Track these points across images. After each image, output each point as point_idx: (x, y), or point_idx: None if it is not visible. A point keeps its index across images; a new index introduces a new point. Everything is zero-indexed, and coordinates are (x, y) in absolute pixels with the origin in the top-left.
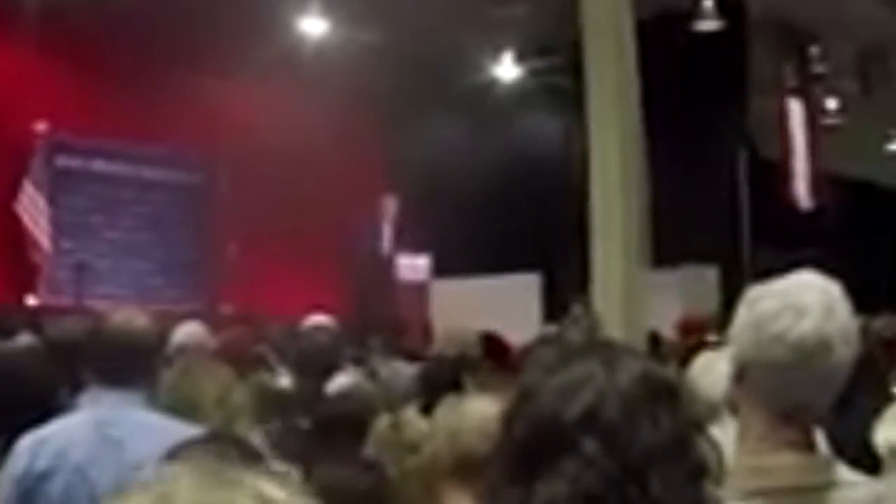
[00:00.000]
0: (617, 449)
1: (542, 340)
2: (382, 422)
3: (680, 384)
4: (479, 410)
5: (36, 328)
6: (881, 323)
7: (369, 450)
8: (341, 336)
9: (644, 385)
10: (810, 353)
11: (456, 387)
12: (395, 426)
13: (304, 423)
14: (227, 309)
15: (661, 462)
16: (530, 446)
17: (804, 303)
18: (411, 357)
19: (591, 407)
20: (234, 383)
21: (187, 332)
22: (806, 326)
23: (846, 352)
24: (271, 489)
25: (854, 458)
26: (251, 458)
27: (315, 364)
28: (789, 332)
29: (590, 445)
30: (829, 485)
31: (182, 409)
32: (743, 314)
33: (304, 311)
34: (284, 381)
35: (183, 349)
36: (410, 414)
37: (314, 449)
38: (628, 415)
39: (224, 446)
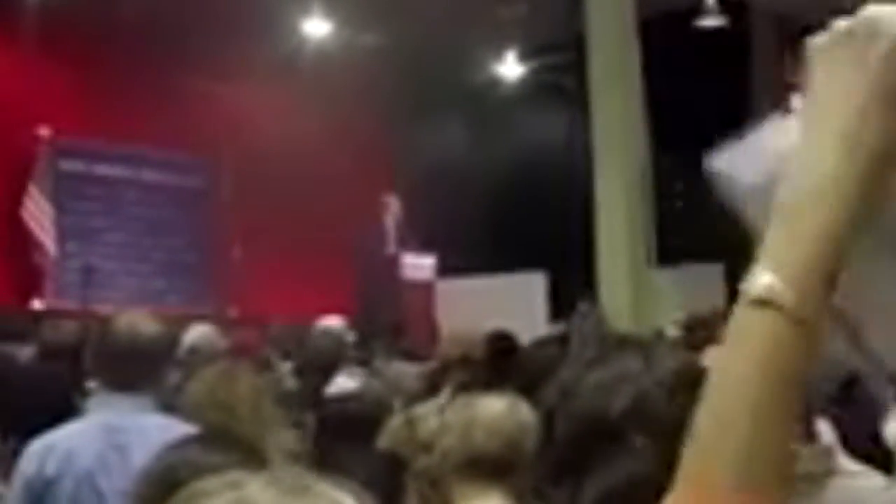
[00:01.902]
0: (665, 439)
1: (554, 339)
2: (396, 420)
3: None
4: (490, 409)
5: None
6: None
7: (381, 445)
8: (343, 339)
9: (683, 377)
10: None
11: (461, 387)
12: (409, 424)
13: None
14: (232, 311)
15: None
16: (576, 443)
17: None
18: (412, 357)
19: (635, 400)
20: (266, 389)
21: (199, 333)
22: None
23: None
24: (348, 500)
25: (865, 452)
26: (252, 457)
27: (315, 367)
28: None
29: (637, 438)
30: (830, 473)
31: (217, 414)
32: None
33: (310, 312)
34: (290, 382)
35: (195, 351)
36: (424, 412)
37: (323, 449)
38: (672, 406)
39: (222, 445)
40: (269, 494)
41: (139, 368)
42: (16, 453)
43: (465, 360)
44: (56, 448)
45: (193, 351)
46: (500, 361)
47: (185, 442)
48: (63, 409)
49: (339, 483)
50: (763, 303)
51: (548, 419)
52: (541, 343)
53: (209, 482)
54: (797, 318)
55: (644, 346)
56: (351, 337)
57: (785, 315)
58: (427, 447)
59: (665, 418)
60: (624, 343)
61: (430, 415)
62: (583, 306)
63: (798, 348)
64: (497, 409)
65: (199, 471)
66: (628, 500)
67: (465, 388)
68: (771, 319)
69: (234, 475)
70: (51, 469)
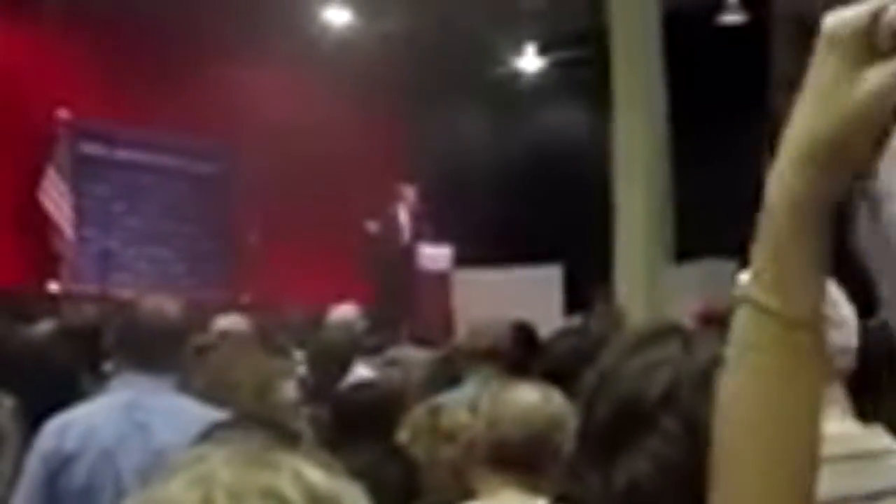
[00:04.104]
0: (698, 425)
1: (575, 331)
2: (419, 409)
3: None
4: (519, 399)
5: (57, 314)
6: None
7: (402, 436)
8: (356, 330)
9: (721, 365)
10: None
11: (489, 378)
12: (432, 414)
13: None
14: (247, 297)
15: None
16: (612, 427)
17: None
18: (427, 345)
19: (670, 386)
20: (274, 375)
21: (229, 319)
22: None
23: (851, 340)
24: (311, 471)
25: None
26: (285, 441)
27: (328, 361)
28: None
29: (670, 423)
30: (890, 451)
31: (219, 397)
32: None
33: (325, 300)
34: (302, 369)
35: (225, 336)
36: (447, 402)
37: (338, 438)
38: (707, 393)
39: (253, 429)
40: (230, 467)
41: (163, 349)
42: (28, 433)
43: (492, 352)
44: (76, 424)
45: (223, 335)
46: (523, 353)
47: (228, 423)
48: (73, 391)
49: (306, 455)
50: (740, 299)
51: (587, 406)
52: (563, 334)
53: (183, 456)
54: (763, 307)
55: (684, 332)
56: (362, 325)
57: (754, 305)
58: (450, 437)
59: (699, 405)
60: (664, 329)
61: (455, 405)
62: (598, 305)
63: (779, 339)
64: (529, 399)
65: None
66: (657, 486)
67: (493, 378)
68: (747, 314)
69: (201, 449)
70: (70, 444)
